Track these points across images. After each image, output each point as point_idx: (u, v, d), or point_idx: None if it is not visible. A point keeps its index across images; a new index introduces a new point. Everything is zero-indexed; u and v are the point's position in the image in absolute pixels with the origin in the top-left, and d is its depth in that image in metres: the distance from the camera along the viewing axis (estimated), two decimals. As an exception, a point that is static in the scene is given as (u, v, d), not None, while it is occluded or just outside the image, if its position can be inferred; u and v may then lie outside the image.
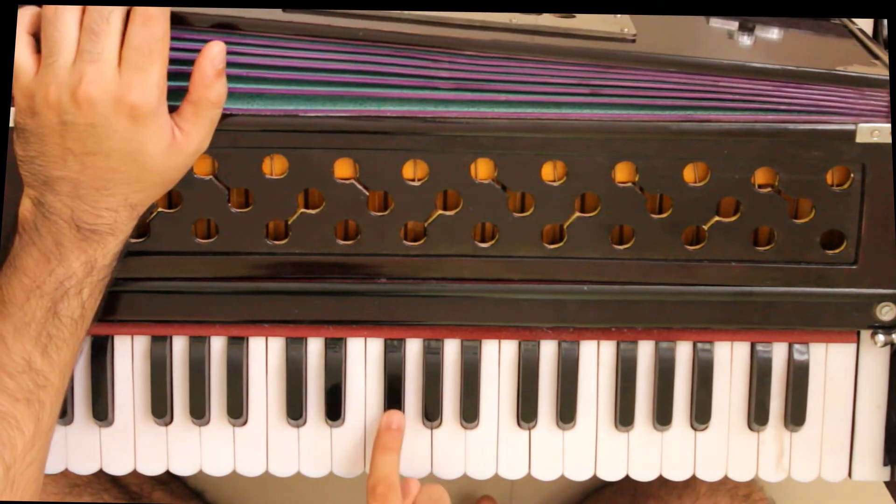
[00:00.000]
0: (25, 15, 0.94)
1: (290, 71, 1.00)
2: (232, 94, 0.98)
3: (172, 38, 0.94)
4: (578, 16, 1.06)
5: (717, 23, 1.10)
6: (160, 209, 1.04)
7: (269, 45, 0.99)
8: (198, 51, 0.96)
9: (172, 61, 0.95)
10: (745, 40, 1.07)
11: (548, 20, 1.04)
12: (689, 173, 1.04)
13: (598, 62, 1.00)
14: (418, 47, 0.99)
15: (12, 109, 0.96)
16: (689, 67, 1.00)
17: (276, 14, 1.01)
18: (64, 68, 0.92)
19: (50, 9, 0.92)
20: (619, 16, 1.06)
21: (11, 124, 0.96)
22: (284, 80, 1.00)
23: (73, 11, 0.92)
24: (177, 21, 0.95)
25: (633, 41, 1.03)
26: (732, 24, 1.09)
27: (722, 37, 1.08)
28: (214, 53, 0.95)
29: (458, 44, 1.00)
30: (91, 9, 0.92)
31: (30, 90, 0.93)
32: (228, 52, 0.96)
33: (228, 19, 0.98)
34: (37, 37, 0.94)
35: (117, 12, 0.92)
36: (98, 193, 0.95)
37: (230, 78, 0.97)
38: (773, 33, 1.09)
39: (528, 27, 1.03)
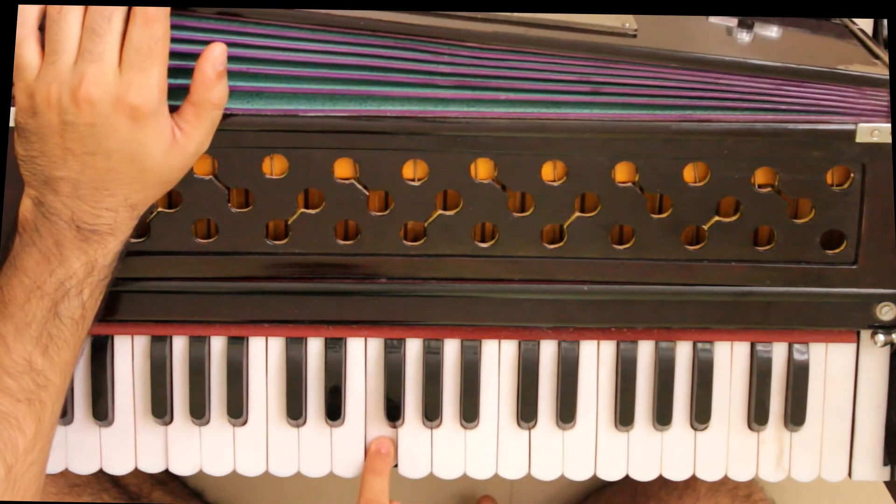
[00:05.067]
0: (32, 11, 0.94)
1: (292, 66, 1.00)
2: (232, 93, 0.98)
3: (174, 28, 0.94)
4: (581, 9, 1.06)
5: (716, 19, 1.10)
6: (160, 209, 1.04)
7: (270, 34, 0.99)
8: (199, 42, 0.96)
9: (174, 54, 0.94)
10: (744, 37, 1.07)
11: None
12: (689, 173, 1.04)
13: (600, 56, 1.00)
14: (419, 38, 0.99)
15: (13, 109, 0.96)
16: (690, 63, 1.00)
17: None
18: (65, 68, 0.92)
19: (54, 8, 0.92)
20: (620, 8, 1.06)
21: (12, 124, 0.96)
22: (285, 76, 1.00)
23: (76, 11, 0.92)
24: (180, 7, 0.95)
25: (635, 36, 1.02)
26: (731, 21, 1.09)
27: (721, 33, 1.08)
28: (216, 55, 0.95)
29: (459, 35, 0.99)
30: (93, 9, 0.92)
31: (31, 89, 0.92)
32: (229, 45, 0.96)
33: (231, 9, 0.97)
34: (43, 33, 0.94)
35: (118, 12, 0.92)
36: (98, 194, 0.95)
37: (231, 74, 0.97)
38: (773, 31, 1.09)
39: (529, 20, 1.02)
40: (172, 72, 0.94)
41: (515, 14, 1.03)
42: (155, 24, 0.92)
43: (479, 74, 1.00)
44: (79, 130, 0.92)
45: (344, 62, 1.00)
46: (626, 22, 1.03)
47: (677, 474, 1.11)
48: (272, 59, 0.99)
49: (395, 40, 0.99)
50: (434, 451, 1.11)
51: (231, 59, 0.97)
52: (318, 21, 0.98)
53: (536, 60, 1.00)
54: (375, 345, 1.09)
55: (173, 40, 0.94)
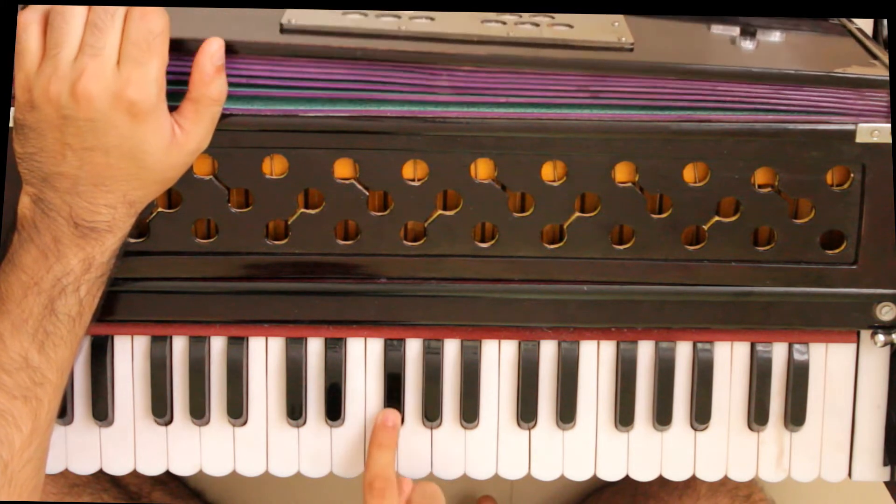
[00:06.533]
0: (37, 10, 0.94)
1: (290, 90, 1.00)
2: (232, 95, 0.99)
3: (171, 62, 0.94)
4: (576, 26, 1.06)
5: (718, 29, 1.10)
6: (160, 209, 1.04)
7: (267, 65, 0.99)
8: None
9: (171, 82, 0.95)
10: (748, 45, 1.07)
11: (545, 32, 1.05)
12: (689, 173, 1.04)
13: (597, 72, 1.00)
14: (416, 64, 1.00)
15: (12, 109, 0.96)
16: (686, 74, 1.00)
17: (273, 36, 1.01)
18: (66, 62, 0.92)
19: (59, 6, 0.92)
20: (616, 24, 1.06)
21: (11, 123, 0.96)
22: (284, 93, 1.01)
23: (81, 9, 0.92)
24: (175, 47, 0.95)
25: (631, 50, 1.03)
26: (734, 31, 1.09)
27: (724, 43, 1.08)
28: (213, 50, 0.95)
29: (455, 59, 1.00)
30: (97, 7, 0.92)
31: (30, 83, 0.93)
32: (227, 73, 0.97)
33: (226, 42, 0.97)
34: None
35: (122, 11, 0.93)
36: (96, 190, 0.95)
37: (230, 84, 0.98)
38: (776, 36, 1.09)
39: (525, 40, 1.03)
40: (169, 97, 0.95)
41: (511, 33, 1.03)
42: (153, 18, 0.92)
43: (477, 91, 1.00)
44: (77, 126, 0.93)
45: (342, 87, 1.00)
46: (623, 36, 1.04)
47: (677, 474, 1.11)
48: (270, 84, 1.00)
49: (392, 66, 0.99)
50: (434, 451, 1.11)
51: (230, 84, 0.98)
52: (315, 53, 1.00)
53: (534, 78, 1.00)
54: (375, 345, 1.09)
55: (169, 74, 0.94)
